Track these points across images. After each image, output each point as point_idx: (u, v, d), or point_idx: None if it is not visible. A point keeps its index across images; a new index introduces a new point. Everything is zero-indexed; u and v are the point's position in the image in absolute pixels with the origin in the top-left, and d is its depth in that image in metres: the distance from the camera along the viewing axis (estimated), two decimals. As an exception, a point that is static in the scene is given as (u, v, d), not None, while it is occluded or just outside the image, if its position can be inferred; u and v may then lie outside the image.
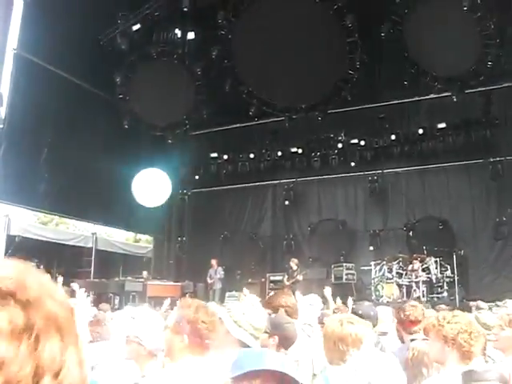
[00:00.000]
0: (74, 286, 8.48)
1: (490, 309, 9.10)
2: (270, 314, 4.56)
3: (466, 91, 16.04)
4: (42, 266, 16.60)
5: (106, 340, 5.13)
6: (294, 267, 16.23)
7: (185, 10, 16.47)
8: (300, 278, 15.85)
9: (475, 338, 3.19)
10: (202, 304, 3.29)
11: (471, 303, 10.42)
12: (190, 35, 18.03)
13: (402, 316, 4.84)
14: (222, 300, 16.11)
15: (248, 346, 3.28)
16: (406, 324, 4.83)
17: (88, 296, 9.54)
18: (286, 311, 4.86)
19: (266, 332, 4.11)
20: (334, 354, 3.28)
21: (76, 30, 15.50)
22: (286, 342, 4.13)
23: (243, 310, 3.51)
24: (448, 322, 3.23)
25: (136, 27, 17.15)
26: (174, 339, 3.12)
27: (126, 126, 18.04)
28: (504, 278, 15.38)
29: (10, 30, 14.86)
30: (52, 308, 0.84)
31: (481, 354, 3.29)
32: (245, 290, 13.20)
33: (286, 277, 16.28)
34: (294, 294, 7.04)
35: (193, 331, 3.06)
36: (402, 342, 5.16)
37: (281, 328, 4.16)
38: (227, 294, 16.78)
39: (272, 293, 8.86)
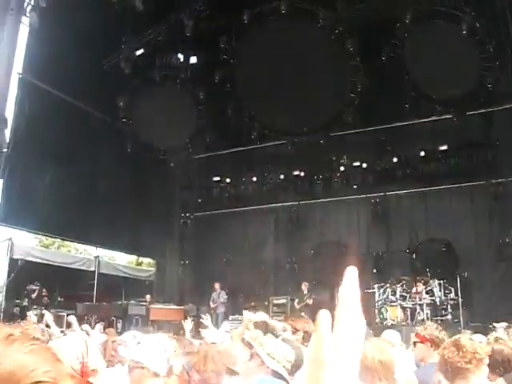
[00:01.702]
0: (72, 318, 8.44)
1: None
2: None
3: (467, 113, 16.14)
4: (44, 290, 16.63)
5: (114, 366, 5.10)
6: (305, 291, 16.18)
7: (187, 34, 16.67)
8: (310, 301, 15.80)
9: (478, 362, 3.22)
10: (208, 351, 3.25)
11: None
12: (193, 59, 18.26)
13: (435, 338, 4.78)
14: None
15: (282, 377, 3.34)
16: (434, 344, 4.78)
17: (98, 323, 9.54)
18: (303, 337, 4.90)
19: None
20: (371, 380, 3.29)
21: (80, 55, 15.65)
22: (297, 368, 4.15)
23: (274, 343, 3.55)
24: (444, 348, 3.28)
25: (139, 52, 17.38)
26: None
27: (129, 150, 18.14)
28: (509, 299, 15.28)
29: (15, 55, 15.04)
30: None
31: None
32: (245, 312, 13.08)
33: (297, 300, 16.17)
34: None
35: (202, 380, 3.06)
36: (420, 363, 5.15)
37: (299, 359, 4.18)
38: (230, 317, 16.68)
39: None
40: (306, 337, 4.89)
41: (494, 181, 16.54)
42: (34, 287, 16.20)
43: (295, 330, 4.99)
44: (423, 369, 4.94)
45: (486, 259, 16.42)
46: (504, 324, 9.81)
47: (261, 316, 7.58)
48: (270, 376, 3.44)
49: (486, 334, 7.25)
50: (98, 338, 6.34)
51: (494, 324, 9.98)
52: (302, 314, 11.61)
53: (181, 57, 18.32)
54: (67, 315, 14.53)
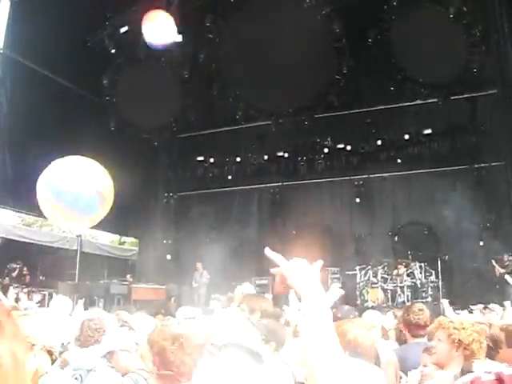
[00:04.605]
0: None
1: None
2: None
3: (452, 97, 16.19)
4: (25, 268, 16.53)
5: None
6: None
7: (173, 13, 16.45)
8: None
9: (483, 349, 3.25)
10: (169, 333, 3.19)
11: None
12: (178, 38, 17.99)
13: (412, 319, 4.81)
14: (206, 304, 16.06)
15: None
16: (412, 327, 4.82)
17: (79, 299, 9.53)
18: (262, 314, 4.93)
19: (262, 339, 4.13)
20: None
21: (63, 31, 15.42)
22: (280, 347, 4.16)
23: None
24: (463, 328, 3.23)
25: (124, 29, 17.12)
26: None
27: (113, 128, 18.00)
28: (488, 282, 15.47)
29: (-4, 30, 14.79)
30: None
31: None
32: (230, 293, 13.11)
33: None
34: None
35: (162, 362, 3.04)
36: (402, 343, 5.21)
37: (277, 334, 4.18)
38: (212, 296, 16.74)
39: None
40: (264, 316, 4.92)
41: (477, 165, 16.68)
42: (14, 266, 16.09)
43: (252, 310, 5.03)
44: (404, 348, 5.01)
45: (466, 243, 16.55)
46: (480, 306, 9.98)
47: (247, 287, 7.72)
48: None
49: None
50: (79, 317, 6.33)
51: (471, 306, 10.14)
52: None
53: (166, 35, 18.07)
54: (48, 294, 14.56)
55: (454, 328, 3.24)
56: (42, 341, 3.26)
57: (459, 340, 3.19)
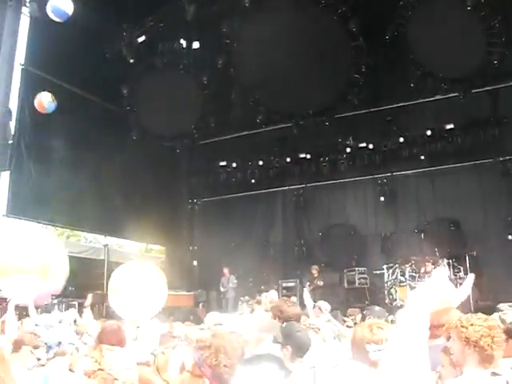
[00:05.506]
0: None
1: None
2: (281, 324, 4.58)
3: (473, 91, 15.97)
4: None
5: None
6: (315, 274, 16.25)
7: (189, 20, 16.54)
8: (321, 283, 15.90)
9: (498, 343, 3.13)
10: (221, 344, 3.16)
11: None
12: (195, 45, 18.09)
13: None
14: (235, 308, 16.09)
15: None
16: (429, 328, 4.72)
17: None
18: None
19: (278, 342, 4.12)
20: (364, 359, 3.28)
21: (82, 44, 15.56)
22: (299, 350, 4.11)
23: None
24: (471, 325, 3.16)
25: (141, 39, 17.27)
26: (194, 383, 3.08)
27: (135, 138, 18.15)
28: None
29: (17, 46, 14.97)
30: None
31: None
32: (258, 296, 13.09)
33: (308, 283, 16.17)
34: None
35: (214, 376, 3.03)
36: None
37: (293, 337, 4.15)
38: (241, 298, 16.80)
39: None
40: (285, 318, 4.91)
41: (501, 158, 16.44)
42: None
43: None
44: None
45: (494, 237, 16.35)
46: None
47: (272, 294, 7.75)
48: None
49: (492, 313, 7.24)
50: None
51: (501, 305, 9.91)
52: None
53: (183, 42, 18.16)
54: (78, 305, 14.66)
55: (462, 326, 3.19)
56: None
57: (466, 337, 3.14)
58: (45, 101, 12.67)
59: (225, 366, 3.02)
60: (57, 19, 11.68)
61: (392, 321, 6.94)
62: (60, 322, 7.24)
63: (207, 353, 3.06)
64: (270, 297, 8.28)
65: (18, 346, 4.73)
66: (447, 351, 3.41)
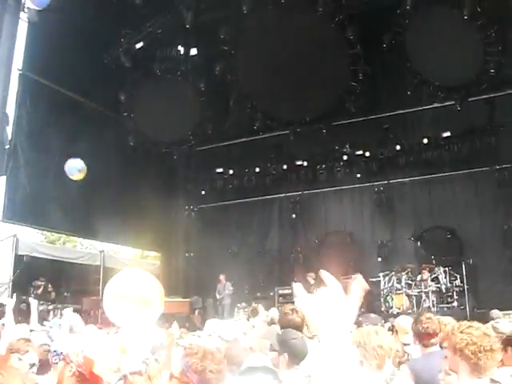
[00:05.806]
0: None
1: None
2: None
3: (470, 99, 16.03)
4: (50, 285, 16.66)
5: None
6: (311, 281, 16.19)
7: (187, 26, 16.58)
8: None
9: (486, 352, 3.00)
10: (208, 351, 3.19)
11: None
12: (193, 51, 18.12)
13: (420, 329, 4.71)
14: (231, 315, 16.05)
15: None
16: (422, 337, 4.71)
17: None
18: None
19: (275, 350, 4.11)
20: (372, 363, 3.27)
21: (79, 49, 15.58)
22: (296, 357, 4.09)
23: None
24: (460, 332, 3.10)
25: (139, 45, 17.29)
26: None
27: (132, 143, 18.15)
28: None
29: (15, 51, 14.97)
30: None
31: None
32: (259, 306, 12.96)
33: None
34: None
35: (201, 381, 3.03)
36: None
37: (288, 344, 4.13)
38: (237, 305, 16.77)
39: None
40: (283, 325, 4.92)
41: (497, 167, 16.48)
42: (39, 283, 16.21)
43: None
44: (417, 360, 4.87)
45: (490, 245, 16.38)
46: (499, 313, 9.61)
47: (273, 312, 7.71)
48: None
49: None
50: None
51: (494, 311, 9.85)
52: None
53: (181, 49, 18.17)
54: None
55: (452, 333, 3.16)
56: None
57: (453, 345, 3.11)
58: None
59: (210, 371, 3.02)
60: (36, 7, 11.59)
61: (389, 328, 6.94)
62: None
63: (194, 359, 3.07)
64: (272, 315, 8.23)
65: (7, 354, 4.68)
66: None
